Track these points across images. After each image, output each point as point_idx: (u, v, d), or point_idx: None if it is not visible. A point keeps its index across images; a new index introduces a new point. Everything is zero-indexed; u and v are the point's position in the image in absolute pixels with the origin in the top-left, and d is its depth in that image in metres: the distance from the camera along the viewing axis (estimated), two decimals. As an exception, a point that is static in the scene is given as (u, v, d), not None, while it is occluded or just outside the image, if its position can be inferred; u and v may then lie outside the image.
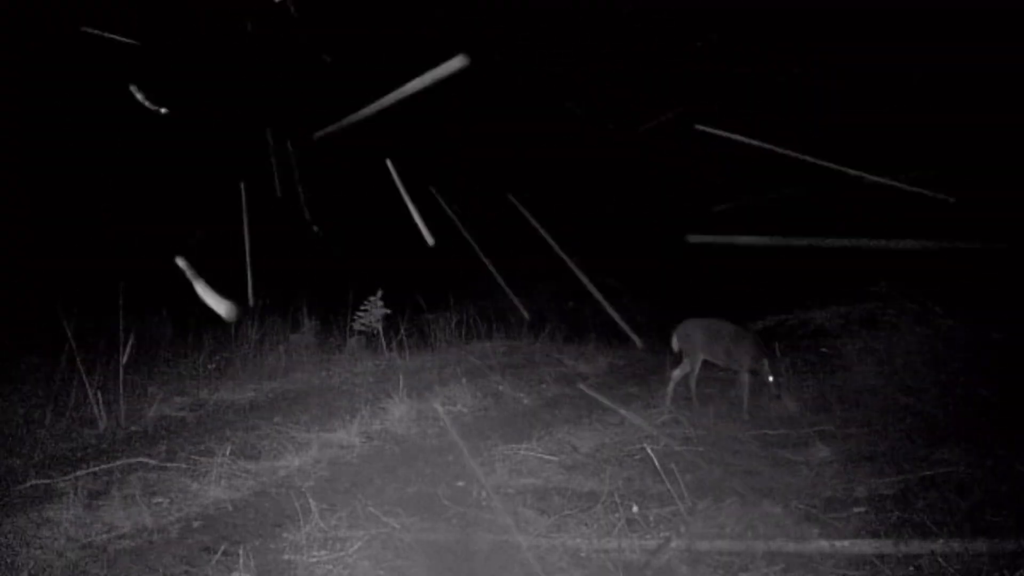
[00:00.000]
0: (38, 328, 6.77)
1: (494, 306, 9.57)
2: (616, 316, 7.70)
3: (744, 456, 4.82)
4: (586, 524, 3.72)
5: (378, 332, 7.96)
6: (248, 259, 7.43)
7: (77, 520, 3.76)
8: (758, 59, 9.30)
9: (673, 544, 3.39)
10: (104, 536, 3.65)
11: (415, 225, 7.78)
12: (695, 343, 6.10)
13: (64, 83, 8.47)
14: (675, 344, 6.22)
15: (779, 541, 3.42)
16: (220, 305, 5.83)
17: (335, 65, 9.27)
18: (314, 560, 3.38)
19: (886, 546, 3.32)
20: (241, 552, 3.36)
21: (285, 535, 3.64)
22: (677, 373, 6.15)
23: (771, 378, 5.69)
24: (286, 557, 3.42)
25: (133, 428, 5.50)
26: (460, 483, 4.37)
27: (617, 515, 3.75)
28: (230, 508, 4.05)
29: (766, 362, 5.75)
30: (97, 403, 5.47)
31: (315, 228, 9.18)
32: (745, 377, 5.91)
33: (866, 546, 3.34)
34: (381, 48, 9.79)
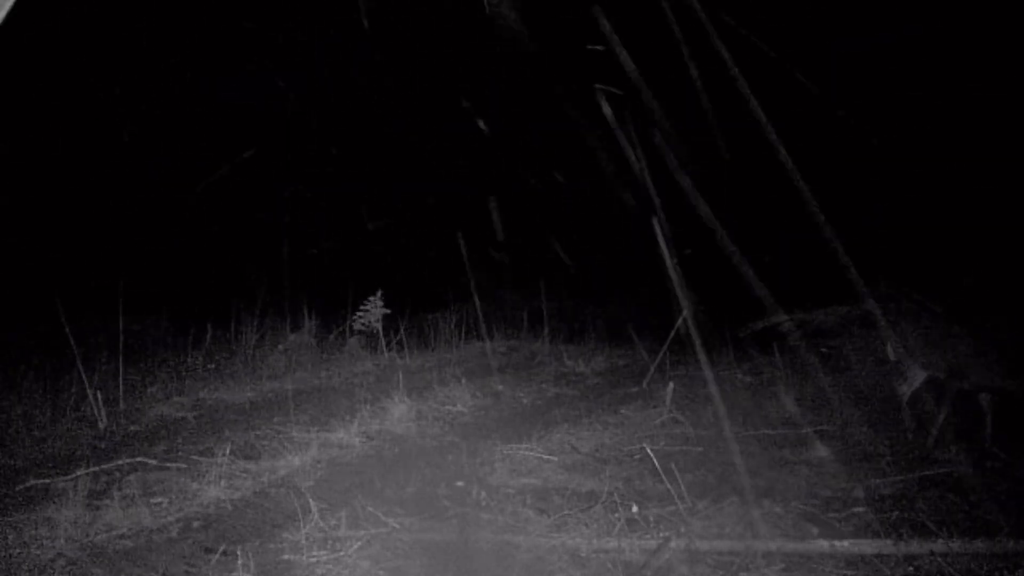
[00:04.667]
0: (38, 328, 6.78)
1: (494, 306, 9.58)
2: None
3: (744, 456, 4.81)
4: (586, 524, 3.71)
5: (378, 332, 7.96)
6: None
7: (77, 520, 3.75)
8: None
9: (673, 544, 3.39)
10: (104, 536, 3.65)
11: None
12: (919, 353, 5.10)
13: (66, 81, 8.48)
14: (891, 353, 5.27)
15: (779, 541, 3.42)
16: None
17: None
18: (314, 560, 3.38)
19: (886, 546, 3.32)
20: (241, 552, 3.36)
21: (285, 535, 3.64)
22: (905, 388, 5.16)
23: None
24: (286, 557, 3.42)
25: (133, 428, 5.49)
26: (460, 483, 4.37)
27: (617, 515, 3.75)
28: (230, 508, 4.04)
29: None
30: (97, 403, 5.47)
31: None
32: (983, 400, 4.91)
33: (866, 546, 3.34)
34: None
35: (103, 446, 5.07)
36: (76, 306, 6.08)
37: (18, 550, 3.49)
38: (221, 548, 3.43)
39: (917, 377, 5.09)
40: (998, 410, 4.85)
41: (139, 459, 4.66)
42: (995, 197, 7.25)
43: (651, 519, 3.77)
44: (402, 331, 8.12)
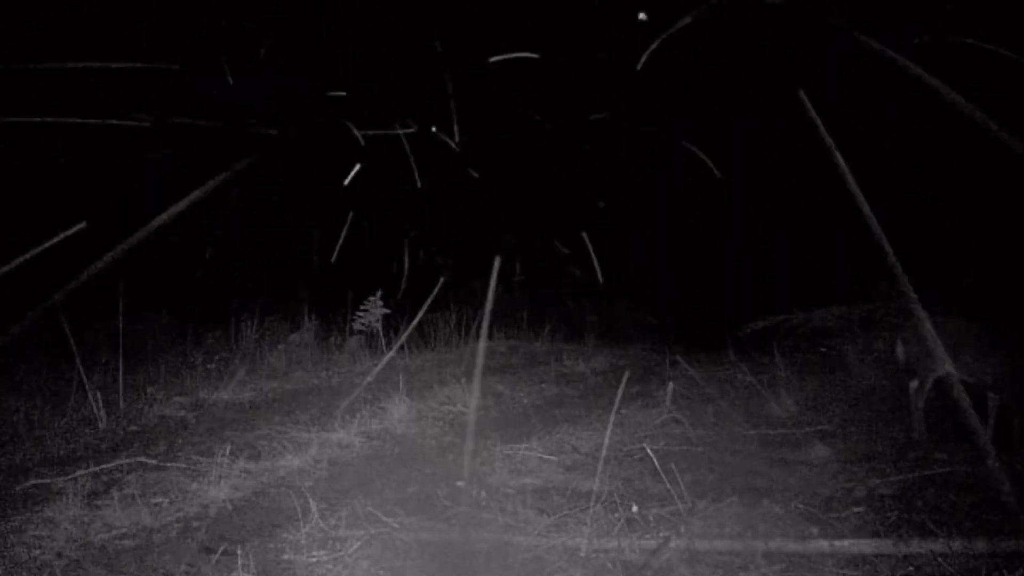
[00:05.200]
0: (38, 328, 6.77)
1: (494, 306, 9.57)
2: None
3: (744, 456, 4.82)
4: (586, 524, 3.71)
5: (378, 332, 7.96)
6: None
7: (77, 520, 3.76)
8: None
9: (673, 544, 3.39)
10: (104, 536, 3.65)
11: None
12: (930, 352, 4.86)
13: (66, 81, 8.47)
14: (900, 353, 5.10)
15: (779, 541, 3.42)
16: None
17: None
18: (314, 560, 3.38)
19: (886, 546, 3.32)
20: (241, 552, 3.35)
21: (285, 535, 3.64)
22: (915, 386, 4.97)
23: None
24: (286, 557, 3.42)
25: (133, 428, 5.50)
26: (460, 483, 4.37)
27: (617, 515, 3.75)
28: (230, 508, 4.04)
29: None
30: (97, 403, 5.47)
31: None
32: (989, 400, 4.77)
33: (866, 546, 3.34)
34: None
35: (103, 446, 5.07)
36: (76, 306, 6.08)
37: (18, 550, 3.49)
38: (221, 548, 3.43)
39: (927, 377, 4.98)
40: (1000, 410, 4.85)
41: (139, 459, 4.66)
42: (995, 197, 7.24)
43: (651, 519, 3.77)
44: (402, 331, 8.12)
